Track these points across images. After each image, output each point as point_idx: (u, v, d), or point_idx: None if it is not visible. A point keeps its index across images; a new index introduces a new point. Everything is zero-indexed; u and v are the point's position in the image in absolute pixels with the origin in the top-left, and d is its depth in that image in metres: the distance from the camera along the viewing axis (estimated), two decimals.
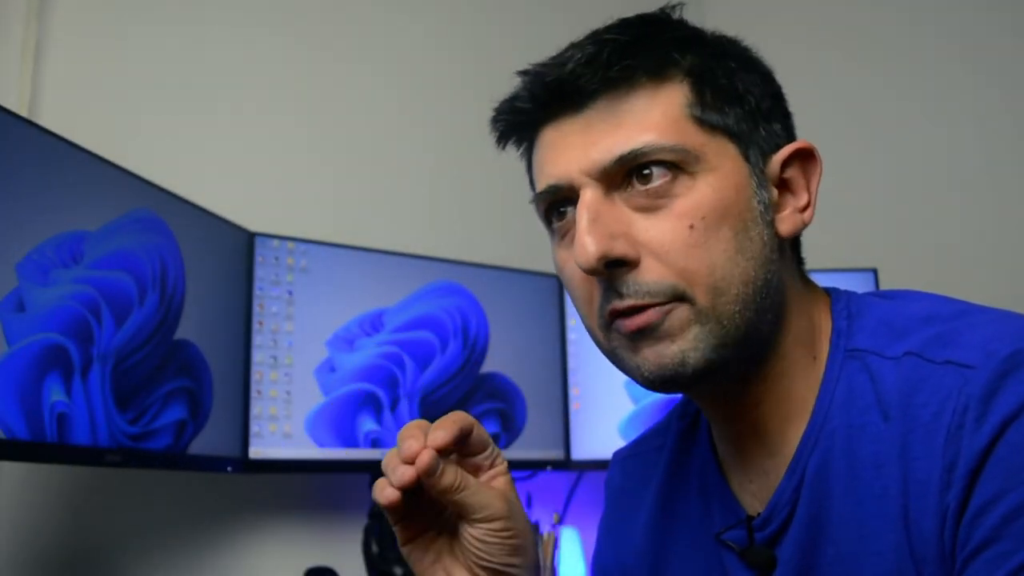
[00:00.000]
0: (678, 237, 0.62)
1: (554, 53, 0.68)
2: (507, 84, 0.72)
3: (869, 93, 2.07)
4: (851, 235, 1.96)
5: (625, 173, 0.64)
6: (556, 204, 0.68)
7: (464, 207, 1.94)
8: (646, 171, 0.63)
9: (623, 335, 0.64)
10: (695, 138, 0.64)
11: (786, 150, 0.68)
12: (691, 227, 0.62)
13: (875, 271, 1.73)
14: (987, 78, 1.89)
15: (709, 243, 0.62)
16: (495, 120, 0.72)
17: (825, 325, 0.69)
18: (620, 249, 0.62)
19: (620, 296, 0.63)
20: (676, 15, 0.69)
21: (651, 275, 0.62)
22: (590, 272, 0.63)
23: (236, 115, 1.65)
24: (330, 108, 1.79)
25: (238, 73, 1.67)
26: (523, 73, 0.68)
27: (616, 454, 0.90)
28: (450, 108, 1.95)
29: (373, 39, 1.88)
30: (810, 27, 2.21)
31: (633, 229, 0.63)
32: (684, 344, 0.62)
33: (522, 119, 0.70)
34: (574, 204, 0.66)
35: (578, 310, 0.70)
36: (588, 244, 0.62)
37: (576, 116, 0.66)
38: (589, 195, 0.64)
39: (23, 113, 1.34)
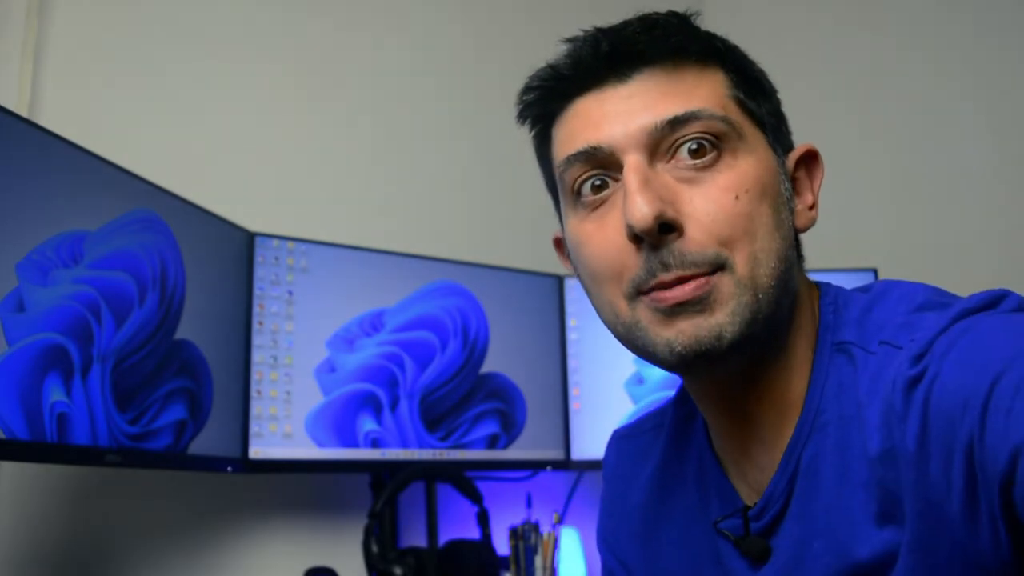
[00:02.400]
0: (724, 206, 0.63)
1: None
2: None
3: (869, 93, 2.07)
4: (851, 235, 1.96)
5: (670, 144, 0.65)
6: (591, 173, 0.67)
7: (464, 207, 1.94)
8: (695, 145, 0.64)
9: (658, 309, 0.63)
10: (738, 117, 0.66)
11: (799, 150, 0.71)
12: (736, 198, 0.63)
13: (875, 271, 1.73)
14: (987, 78, 1.89)
15: (752, 214, 0.64)
16: (527, 89, 0.72)
17: (817, 320, 0.71)
18: (671, 213, 0.62)
19: (665, 267, 0.62)
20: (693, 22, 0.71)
21: (694, 245, 0.62)
22: (642, 233, 0.62)
23: (236, 115, 1.65)
24: (330, 108, 1.79)
25: (238, 73, 1.67)
26: (569, 40, 0.69)
27: (615, 432, 0.91)
28: (450, 109, 1.95)
29: (374, 40, 1.88)
30: (810, 28, 2.21)
31: (679, 198, 0.64)
32: (722, 317, 0.62)
33: (560, 87, 0.69)
34: (612, 175, 0.66)
35: (596, 284, 0.68)
36: (642, 204, 0.61)
37: (619, 86, 0.66)
38: (636, 160, 0.64)
39: (23, 113, 1.34)
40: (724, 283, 0.62)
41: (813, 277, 0.74)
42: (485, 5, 2.09)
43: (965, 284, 0.73)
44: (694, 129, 0.64)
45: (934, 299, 0.65)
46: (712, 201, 0.63)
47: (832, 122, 2.02)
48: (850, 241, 1.95)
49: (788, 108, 0.74)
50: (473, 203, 1.95)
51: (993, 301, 0.61)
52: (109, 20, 1.52)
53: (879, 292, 0.69)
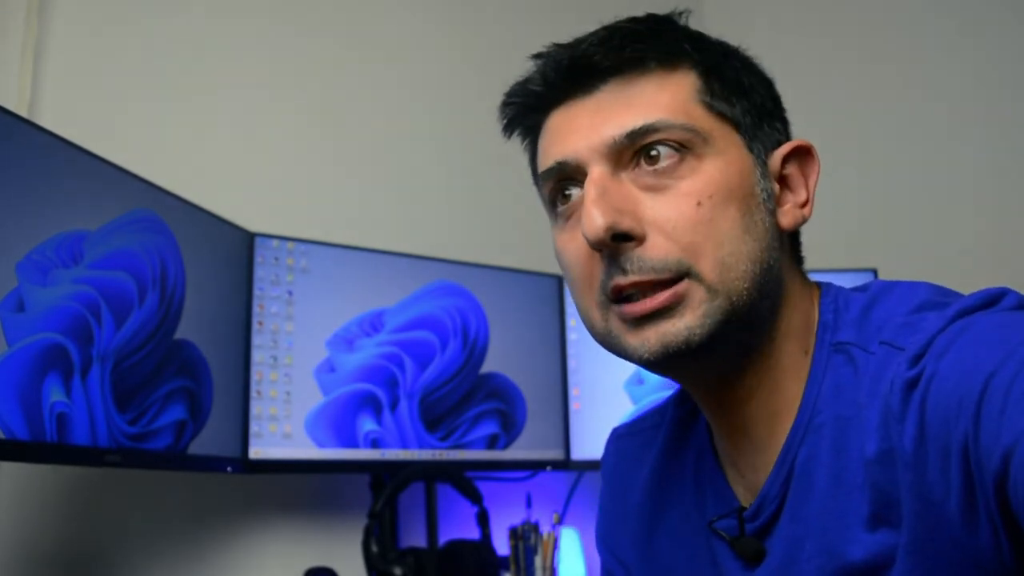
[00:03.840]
0: (685, 214, 0.63)
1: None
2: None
3: (868, 93, 2.07)
4: (851, 235, 1.96)
5: (633, 153, 0.65)
6: (561, 185, 0.68)
7: (464, 207, 1.94)
8: (653, 151, 0.64)
9: (625, 320, 0.64)
10: (704, 122, 0.66)
11: (786, 146, 0.70)
12: (698, 204, 0.63)
13: (875, 271, 1.73)
14: (987, 77, 1.89)
15: (716, 220, 0.63)
16: (505, 105, 0.73)
17: (816, 320, 0.70)
18: (627, 223, 0.63)
19: (624, 272, 0.63)
20: (682, 21, 0.71)
21: (657, 251, 0.63)
22: (596, 244, 0.63)
23: (236, 115, 1.65)
24: (330, 109, 1.79)
25: (239, 73, 1.67)
26: (537, 56, 0.70)
27: (613, 431, 0.91)
28: (450, 109, 1.95)
29: (374, 40, 1.88)
30: (809, 29, 2.21)
31: (640, 207, 0.64)
32: (691, 320, 0.62)
33: (533, 102, 0.70)
34: (580, 186, 0.67)
35: (575, 293, 0.70)
36: (596, 216, 0.62)
37: (586, 98, 0.67)
38: (597, 171, 0.65)
39: (23, 113, 1.34)
40: (693, 290, 0.63)
41: (813, 278, 0.74)
42: (486, 7, 2.09)
43: (965, 284, 0.73)
44: (653, 139, 0.64)
45: (934, 298, 0.65)
46: (673, 208, 0.63)
47: (832, 121, 2.02)
48: (850, 241, 1.95)
49: (787, 106, 0.73)
50: (473, 203, 1.95)
51: (992, 299, 0.61)
52: (109, 20, 1.52)
53: (878, 291, 0.69)
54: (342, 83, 1.82)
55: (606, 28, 0.67)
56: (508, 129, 0.74)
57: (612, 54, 0.66)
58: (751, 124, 0.68)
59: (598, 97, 0.67)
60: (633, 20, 0.68)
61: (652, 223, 0.63)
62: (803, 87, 2.08)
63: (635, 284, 0.63)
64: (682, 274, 0.62)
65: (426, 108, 1.93)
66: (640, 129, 0.64)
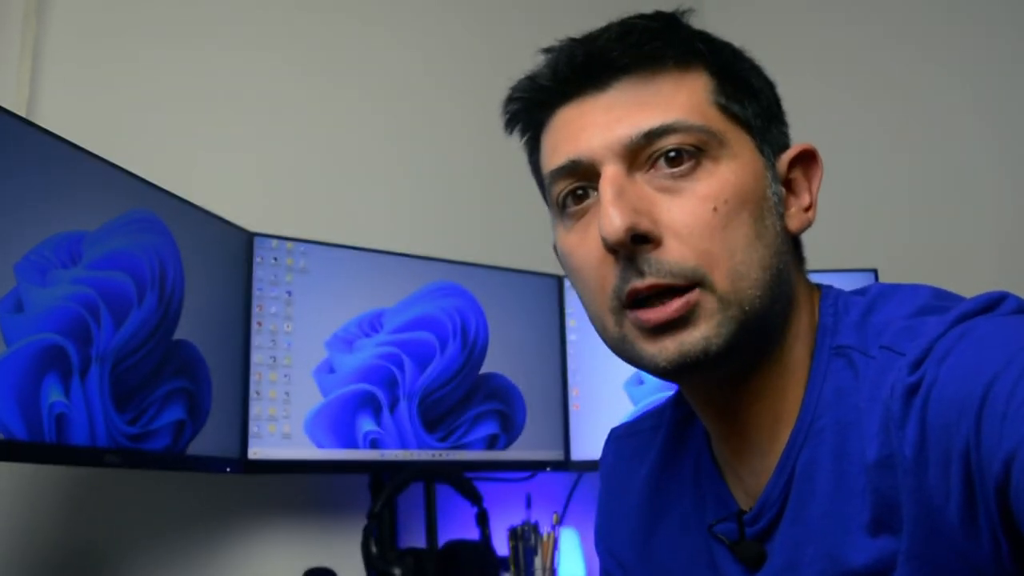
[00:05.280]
0: (701, 218, 0.62)
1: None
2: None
3: (869, 92, 2.07)
4: (851, 235, 1.96)
5: (648, 154, 0.64)
6: (574, 186, 0.67)
7: (464, 207, 1.94)
8: (673, 153, 0.63)
9: (642, 328, 0.63)
10: (719, 123, 0.65)
11: (792, 150, 0.70)
12: (714, 210, 0.63)
13: (875, 271, 1.73)
14: (988, 77, 1.89)
15: (730, 226, 0.63)
16: (510, 100, 0.72)
17: (816, 323, 0.70)
18: (645, 225, 0.62)
19: (640, 274, 0.62)
20: (684, 21, 0.70)
21: (673, 255, 0.62)
22: (615, 245, 0.62)
23: (236, 115, 1.65)
24: (330, 108, 1.79)
25: (237, 73, 1.67)
26: (547, 51, 0.68)
27: (612, 432, 0.91)
28: (450, 109, 1.95)
29: (374, 40, 1.88)
30: (811, 27, 2.21)
31: (656, 209, 0.63)
32: (707, 330, 0.62)
33: (540, 97, 0.69)
34: (593, 186, 0.66)
35: (585, 296, 0.69)
36: (615, 216, 0.61)
37: (599, 95, 0.66)
38: (611, 170, 0.64)
39: (22, 113, 1.33)
40: (706, 300, 0.62)
41: (814, 278, 0.74)
42: (488, 4, 2.09)
43: (965, 284, 0.73)
44: (671, 141, 0.63)
45: (934, 302, 0.65)
46: (689, 212, 0.62)
47: (832, 122, 2.02)
48: (850, 241, 1.95)
49: (788, 107, 0.73)
50: (473, 203, 1.95)
51: (992, 303, 0.60)
52: (108, 20, 1.52)
53: (878, 295, 0.68)
54: (343, 83, 1.82)
55: (620, 24, 0.66)
56: (511, 125, 0.73)
57: (630, 51, 0.65)
58: (761, 126, 0.68)
59: (611, 94, 0.65)
60: (645, 17, 0.67)
61: (668, 226, 0.62)
62: (803, 87, 2.08)
63: (652, 287, 0.62)
64: (696, 282, 0.62)
65: (427, 108, 1.93)
66: (658, 129, 0.63)
